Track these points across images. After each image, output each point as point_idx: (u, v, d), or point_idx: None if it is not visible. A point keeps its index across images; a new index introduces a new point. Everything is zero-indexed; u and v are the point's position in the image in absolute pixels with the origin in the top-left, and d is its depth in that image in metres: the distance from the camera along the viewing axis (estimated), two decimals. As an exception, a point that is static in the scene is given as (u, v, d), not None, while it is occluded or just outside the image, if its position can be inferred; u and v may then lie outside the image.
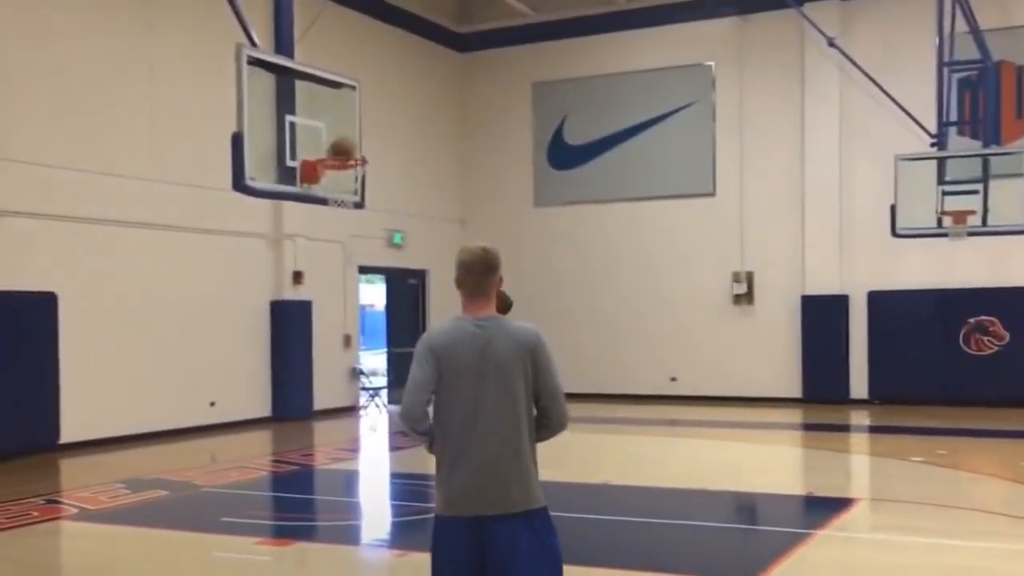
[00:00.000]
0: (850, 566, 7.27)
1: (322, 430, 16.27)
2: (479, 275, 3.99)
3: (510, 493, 3.82)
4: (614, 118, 20.51)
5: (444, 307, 20.83)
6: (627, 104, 20.39)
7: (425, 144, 20.85)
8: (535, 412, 3.95)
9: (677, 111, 20.05)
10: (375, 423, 17.48)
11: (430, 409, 3.95)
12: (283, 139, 8.44)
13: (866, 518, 9.22)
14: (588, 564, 7.04)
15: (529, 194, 21.35)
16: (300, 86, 8.75)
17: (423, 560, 7.62)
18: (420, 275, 20.68)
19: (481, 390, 3.85)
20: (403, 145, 19.87)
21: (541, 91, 21.23)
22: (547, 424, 3.97)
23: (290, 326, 16.98)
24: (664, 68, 20.11)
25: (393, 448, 14.87)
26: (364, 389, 19.13)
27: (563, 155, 21.08)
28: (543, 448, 4.01)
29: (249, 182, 7.99)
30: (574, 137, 20.97)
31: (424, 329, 20.45)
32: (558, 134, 21.14)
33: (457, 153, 21.79)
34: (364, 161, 8.92)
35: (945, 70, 15.33)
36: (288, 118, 8.49)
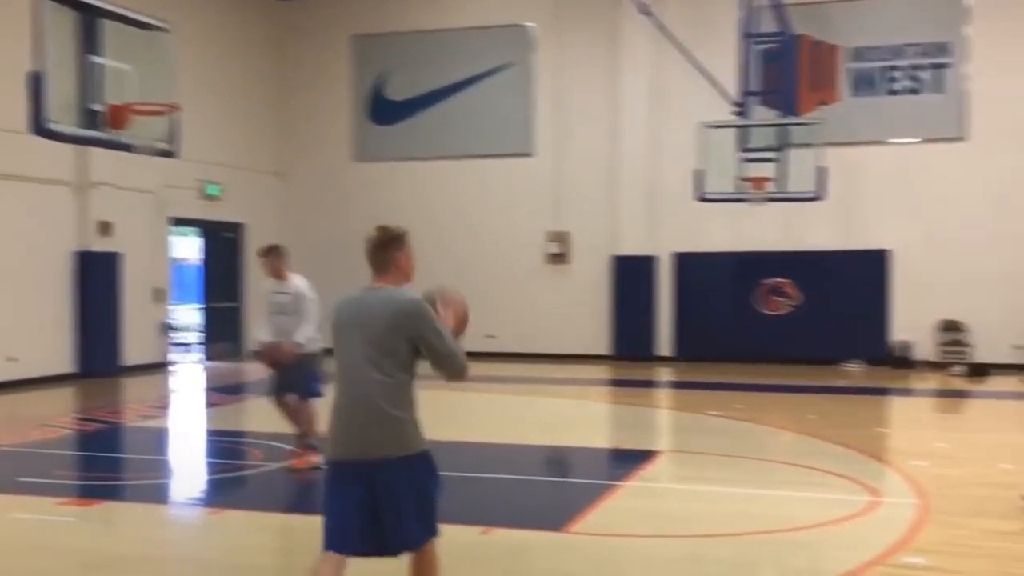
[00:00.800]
0: (653, 514, 7.65)
1: (131, 386, 15.79)
2: (371, 252, 4.69)
3: (382, 441, 4.40)
4: (435, 75, 20.51)
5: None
6: (448, 61, 20.42)
7: (242, 94, 20.31)
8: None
9: (497, 70, 20.22)
10: (188, 380, 17.08)
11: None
12: (88, 81, 8.08)
13: (668, 469, 9.71)
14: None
15: (349, 149, 21.14)
16: (108, 27, 8.39)
17: (238, 517, 7.62)
18: (236, 228, 20.22)
19: (359, 350, 4.45)
20: (219, 94, 19.29)
21: (361, 44, 20.98)
22: (445, 378, 4.58)
23: (96, 278, 16.34)
24: (485, 27, 20.22)
25: (207, 405, 14.59)
26: (176, 345, 18.61)
27: (384, 111, 20.95)
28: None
29: (51, 125, 7.63)
30: (395, 93, 20.85)
31: (241, 284, 20.12)
32: (378, 89, 20.98)
33: (276, 104, 21.30)
34: (176, 108, 8.67)
35: (748, 41, 16.02)
36: (93, 59, 8.15)
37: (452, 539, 6.67)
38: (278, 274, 9.11)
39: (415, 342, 4.48)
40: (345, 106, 21.15)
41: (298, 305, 8.91)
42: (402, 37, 20.70)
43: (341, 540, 4.43)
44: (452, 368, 4.56)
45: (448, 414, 13.35)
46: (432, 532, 4.55)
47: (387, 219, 19.82)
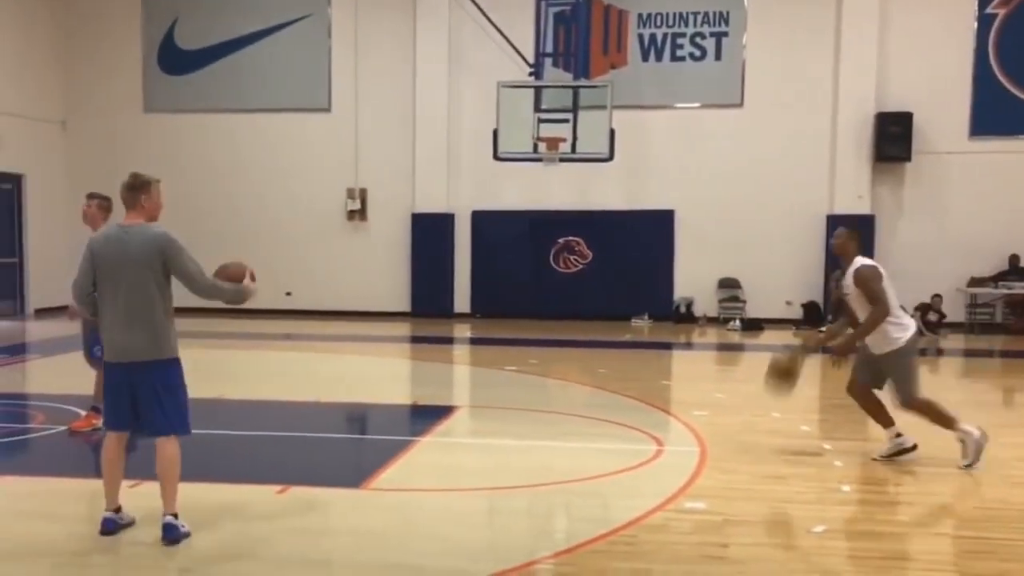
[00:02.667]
0: (450, 468, 7.85)
1: None
2: (125, 194, 5.82)
3: (140, 346, 5.70)
4: (228, 25, 19.90)
5: (45, 216, 19.44)
6: (242, 11, 19.85)
7: (19, 34, 19.10)
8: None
9: (293, 22, 19.81)
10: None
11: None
12: None
13: (465, 424, 9.96)
14: (197, 479, 7.12)
15: (138, 98, 20.28)
16: None
17: (18, 483, 7.35)
18: (16, 180, 19.09)
19: (121, 276, 5.67)
20: (-8, 37, 18.09)
21: (149, -11, 20.09)
22: (198, 296, 5.92)
23: None
24: (281, -23, 19.75)
25: (-18, 367, 13.83)
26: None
27: (175, 59, 20.17)
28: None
29: None
30: (186, 42, 20.10)
31: (22, 239, 19.04)
32: (169, 36, 20.16)
33: (58, 49, 20.12)
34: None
35: (543, 4, 16.33)
36: None
37: (248, 499, 6.72)
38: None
39: (167, 265, 5.70)
40: (134, 53, 20.23)
41: None
42: (193, -17, 19.95)
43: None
44: (199, 286, 5.81)
45: (243, 372, 13.21)
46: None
47: (177, 173, 19.29)
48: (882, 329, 7.63)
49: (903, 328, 7.73)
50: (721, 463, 7.80)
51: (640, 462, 7.85)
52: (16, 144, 18.74)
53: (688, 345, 16.79)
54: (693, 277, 18.94)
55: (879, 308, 7.59)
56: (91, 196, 8.34)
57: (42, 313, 18.88)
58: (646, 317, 18.68)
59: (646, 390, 11.23)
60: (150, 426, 5.81)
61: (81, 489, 6.83)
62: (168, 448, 5.81)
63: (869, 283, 7.67)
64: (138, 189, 5.81)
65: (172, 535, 5.75)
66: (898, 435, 7.89)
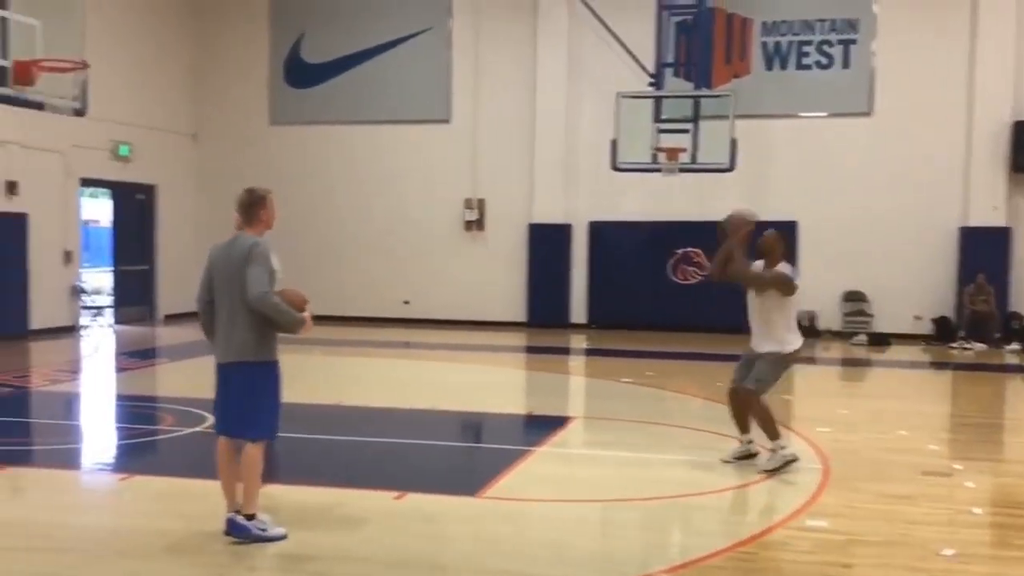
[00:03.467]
0: (565, 479, 7.82)
1: (39, 350, 15.46)
2: (242, 209, 6.02)
3: (230, 348, 5.88)
4: (353, 38, 20.31)
5: (175, 225, 20.15)
6: (366, 25, 20.23)
7: (155, 52, 19.85)
8: None
9: (415, 35, 20.09)
10: (99, 343, 16.79)
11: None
12: (-7, 36, 7.92)
13: (580, 435, 9.90)
14: (318, 483, 7.24)
15: (265, 111, 20.86)
16: (13, -21, 8.22)
17: (148, 483, 7.59)
18: (149, 190, 19.84)
19: (224, 282, 5.90)
20: (130, 52, 18.85)
21: (279, 4, 20.68)
22: (250, 306, 5.77)
23: (3, 240, 15.92)
24: (404, -9, 20.08)
25: (118, 370, 14.38)
26: (86, 308, 18.25)
27: (301, 73, 20.69)
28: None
29: (-49, 80, 7.48)
30: (312, 55, 20.60)
31: (153, 247, 19.78)
32: (295, 51, 20.69)
33: (190, 64, 20.87)
34: (85, 65, 8.51)
35: (664, 13, 16.18)
36: (-2, 13, 7.97)
37: (366, 504, 6.79)
38: None
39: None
40: (262, 68, 20.83)
41: None
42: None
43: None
44: (253, 296, 5.73)
45: (365, 380, 13.41)
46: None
47: (303, 184, 19.78)
48: (776, 333, 7.82)
49: (796, 337, 7.96)
50: (845, 481, 7.56)
51: (759, 478, 7.66)
52: (150, 156, 19.47)
53: (811, 359, 16.33)
54: (817, 290, 18.42)
55: (776, 280, 7.85)
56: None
57: (172, 319, 19.54)
58: (767, 330, 18.26)
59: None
60: (233, 427, 5.95)
61: (207, 489, 7.01)
62: (249, 450, 5.90)
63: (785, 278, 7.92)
64: (255, 204, 6.02)
65: (240, 533, 5.88)
66: (750, 441, 8.05)
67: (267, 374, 5.94)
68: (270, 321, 5.84)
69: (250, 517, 5.88)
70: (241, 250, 5.85)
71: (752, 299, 7.97)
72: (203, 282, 6.04)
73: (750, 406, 7.88)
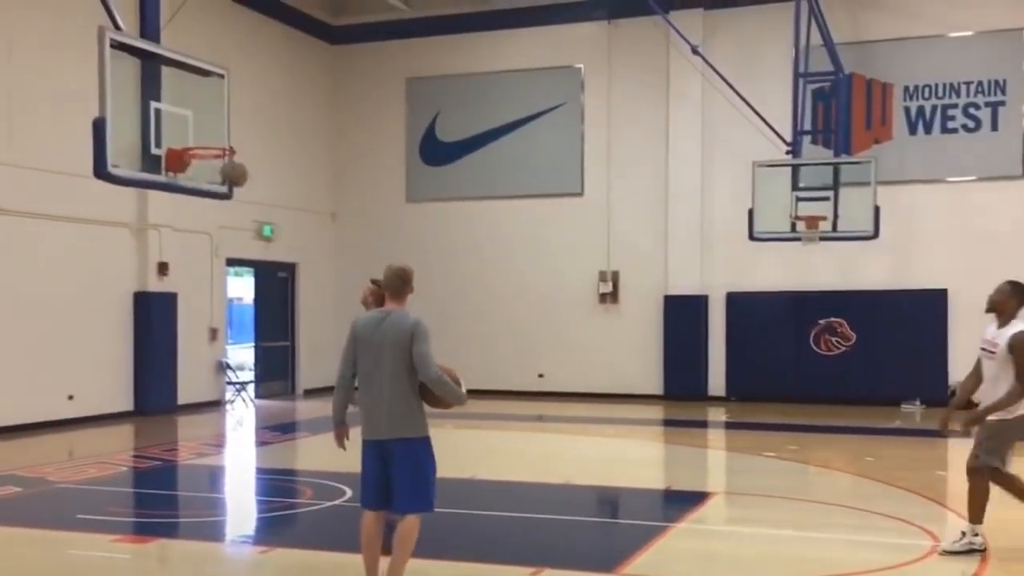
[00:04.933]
0: (705, 556, 7.57)
1: (186, 424, 15.96)
2: (395, 284, 6.09)
3: (392, 424, 5.92)
4: (486, 116, 20.69)
5: (314, 301, 20.67)
6: (498, 103, 20.59)
7: (296, 136, 20.62)
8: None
9: (547, 111, 20.34)
10: (242, 418, 17.24)
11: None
12: (148, 126, 8.30)
13: (721, 511, 9.59)
14: (454, 558, 7.16)
15: (401, 189, 21.35)
16: (166, 72, 8.61)
17: (288, 556, 7.66)
18: (290, 268, 20.46)
19: (378, 357, 5.94)
20: (273, 136, 19.62)
21: (414, 87, 21.25)
22: (427, 382, 5.92)
23: (154, 318, 16.60)
24: (535, 69, 20.39)
25: (260, 443, 14.70)
26: (230, 383, 18.82)
27: (435, 151, 21.15)
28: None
29: (112, 169, 7.85)
30: (446, 134, 21.05)
31: (293, 323, 20.33)
32: (430, 130, 21.19)
33: (329, 146, 21.61)
34: (232, 151, 8.84)
35: (800, 80, 15.97)
36: (153, 105, 8.34)
37: (502, 580, 6.66)
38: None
39: (411, 347, 5.88)
40: (398, 147, 21.38)
41: None
42: (455, 79, 20.94)
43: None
44: (431, 373, 5.85)
45: (499, 453, 13.35)
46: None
47: (439, 259, 20.01)
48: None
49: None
50: (1008, 564, 7.08)
51: (913, 559, 7.24)
52: (291, 235, 20.12)
53: (967, 433, 15.51)
54: (970, 360, 17.54)
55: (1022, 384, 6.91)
56: (373, 281, 8.91)
57: (311, 393, 19.95)
58: (917, 402, 17.52)
59: (919, 480, 10.46)
60: (400, 502, 5.98)
61: (345, 562, 7.01)
62: (411, 522, 5.97)
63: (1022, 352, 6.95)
64: (407, 281, 6.11)
65: None
66: (976, 534, 7.25)
67: (428, 448, 6.03)
68: (436, 398, 5.99)
69: None
70: (404, 326, 5.90)
71: (990, 365, 7.39)
72: (346, 357, 6.08)
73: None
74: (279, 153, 19.83)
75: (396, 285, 6.08)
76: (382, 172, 21.44)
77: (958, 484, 11.00)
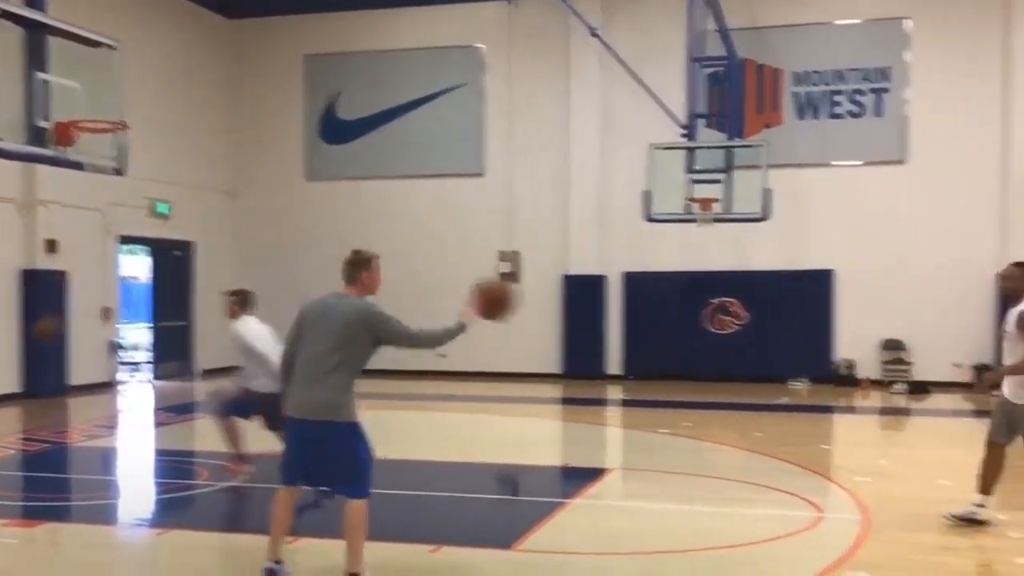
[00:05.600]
0: (601, 531, 7.73)
1: (78, 406, 15.60)
2: (346, 268, 6.18)
3: (326, 407, 5.86)
4: (387, 95, 20.57)
5: (213, 281, 20.30)
6: (399, 81, 20.49)
7: (192, 112, 20.20)
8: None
9: (448, 91, 20.32)
10: (136, 399, 16.91)
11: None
12: (34, 98, 8.06)
13: (617, 487, 9.82)
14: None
15: (301, 168, 21.12)
16: (54, 43, 8.37)
17: (183, 537, 7.61)
18: (187, 247, 20.08)
19: (319, 338, 5.91)
20: (169, 112, 19.19)
21: (313, 64, 21.00)
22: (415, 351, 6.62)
23: (43, 297, 16.13)
24: (436, 48, 20.33)
25: (157, 424, 14.46)
26: (124, 364, 18.41)
27: (336, 130, 20.95)
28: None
29: (-4, 141, 7.63)
30: (347, 112, 20.88)
31: (191, 303, 19.98)
32: (330, 108, 20.98)
33: (226, 123, 21.22)
34: (124, 125, 8.66)
35: (696, 65, 16.25)
36: (39, 76, 8.12)
37: (400, 557, 6.74)
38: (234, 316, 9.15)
39: (374, 334, 5.99)
40: (297, 125, 21.13)
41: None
42: (354, 57, 20.76)
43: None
44: (413, 343, 6.24)
45: (398, 432, 13.37)
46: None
47: (336, 238, 19.79)
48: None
49: None
50: (885, 532, 7.42)
51: (798, 529, 7.54)
52: (188, 213, 19.74)
53: (850, 409, 16.15)
54: (854, 338, 18.28)
55: None
56: (231, 292, 9.19)
57: (209, 374, 19.66)
58: (805, 379, 18.12)
59: (805, 455, 10.84)
60: (337, 487, 6.04)
61: (243, 543, 7.00)
62: (357, 508, 5.92)
63: None
64: (358, 265, 6.17)
65: None
66: (981, 504, 7.55)
67: (360, 433, 6.02)
68: (433, 346, 6.47)
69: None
70: (351, 311, 5.94)
71: (1008, 347, 7.52)
72: (291, 336, 6.07)
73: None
74: (174, 129, 19.40)
75: (347, 270, 6.14)
76: (281, 150, 21.17)
77: (842, 457, 11.50)
